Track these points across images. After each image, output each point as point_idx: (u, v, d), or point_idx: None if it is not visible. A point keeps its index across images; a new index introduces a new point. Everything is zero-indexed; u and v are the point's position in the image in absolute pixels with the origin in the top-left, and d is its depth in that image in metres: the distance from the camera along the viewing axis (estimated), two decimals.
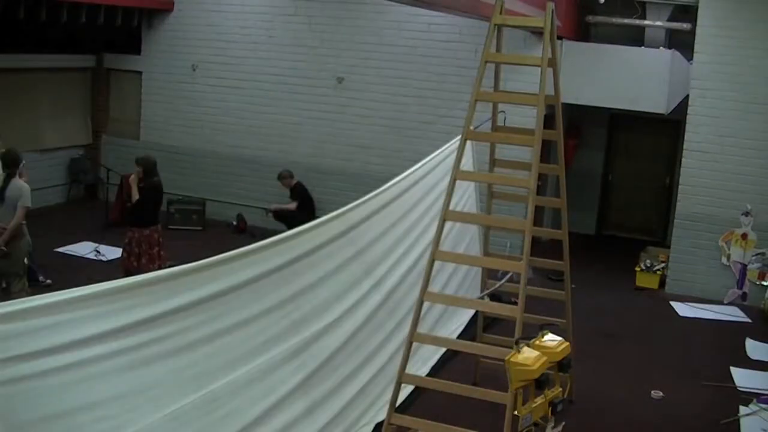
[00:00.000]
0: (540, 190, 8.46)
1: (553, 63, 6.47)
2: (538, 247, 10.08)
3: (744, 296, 10.62)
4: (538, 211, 9.80)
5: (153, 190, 8.71)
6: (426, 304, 6.41)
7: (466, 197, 8.90)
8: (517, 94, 8.33)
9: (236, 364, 4.88)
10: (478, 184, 9.02)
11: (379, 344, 6.84)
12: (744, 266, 10.57)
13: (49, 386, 3.69)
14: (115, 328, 4.02)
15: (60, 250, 10.75)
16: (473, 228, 9.07)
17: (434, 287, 7.04)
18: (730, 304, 10.59)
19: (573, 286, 7.59)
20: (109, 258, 10.43)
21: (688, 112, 10.74)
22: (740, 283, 10.64)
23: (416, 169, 7.63)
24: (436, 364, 7.78)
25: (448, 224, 7.96)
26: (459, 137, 7.45)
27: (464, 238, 8.87)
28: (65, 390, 3.76)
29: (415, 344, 6.24)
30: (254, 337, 5.06)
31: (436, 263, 6.27)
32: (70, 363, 3.79)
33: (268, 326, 5.19)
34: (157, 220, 8.87)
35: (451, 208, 6.29)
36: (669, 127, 12.55)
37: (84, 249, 10.88)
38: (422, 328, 6.75)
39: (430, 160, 7.93)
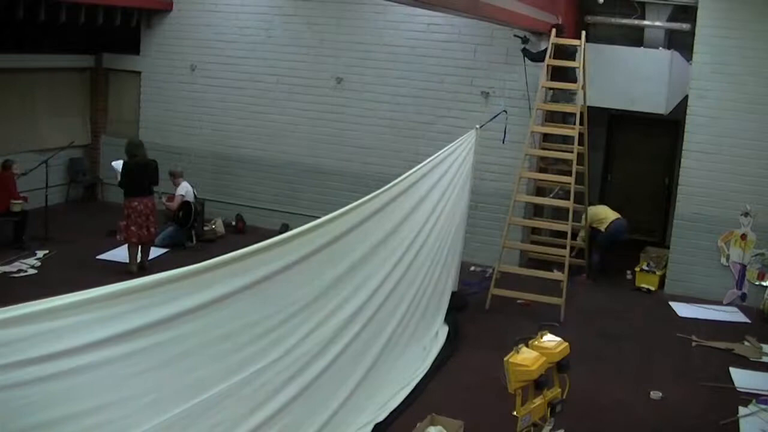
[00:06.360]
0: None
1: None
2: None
3: (743, 297, 10.60)
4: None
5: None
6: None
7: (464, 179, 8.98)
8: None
9: (235, 369, 4.85)
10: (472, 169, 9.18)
11: (380, 345, 6.83)
12: (743, 267, 10.56)
13: (48, 392, 3.67)
14: (115, 334, 3.98)
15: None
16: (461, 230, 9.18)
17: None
18: (729, 304, 10.58)
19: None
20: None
21: (688, 112, 10.72)
22: (739, 284, 10.63)
23: (416, 170, 7.58)
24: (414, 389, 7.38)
25: (446, 225, 8.12)
26: (469, 133, 8.01)
27: (448, 240, 8.79)
28: (64, 396, 3.75)
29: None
30: (254, 342, 5.02)
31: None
32: (69, 369, 3.77)
33: (268, 329, 5.15)
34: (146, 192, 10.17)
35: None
36: (668, 128, 12.53)
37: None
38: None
39: (430, 161, 7.91)
